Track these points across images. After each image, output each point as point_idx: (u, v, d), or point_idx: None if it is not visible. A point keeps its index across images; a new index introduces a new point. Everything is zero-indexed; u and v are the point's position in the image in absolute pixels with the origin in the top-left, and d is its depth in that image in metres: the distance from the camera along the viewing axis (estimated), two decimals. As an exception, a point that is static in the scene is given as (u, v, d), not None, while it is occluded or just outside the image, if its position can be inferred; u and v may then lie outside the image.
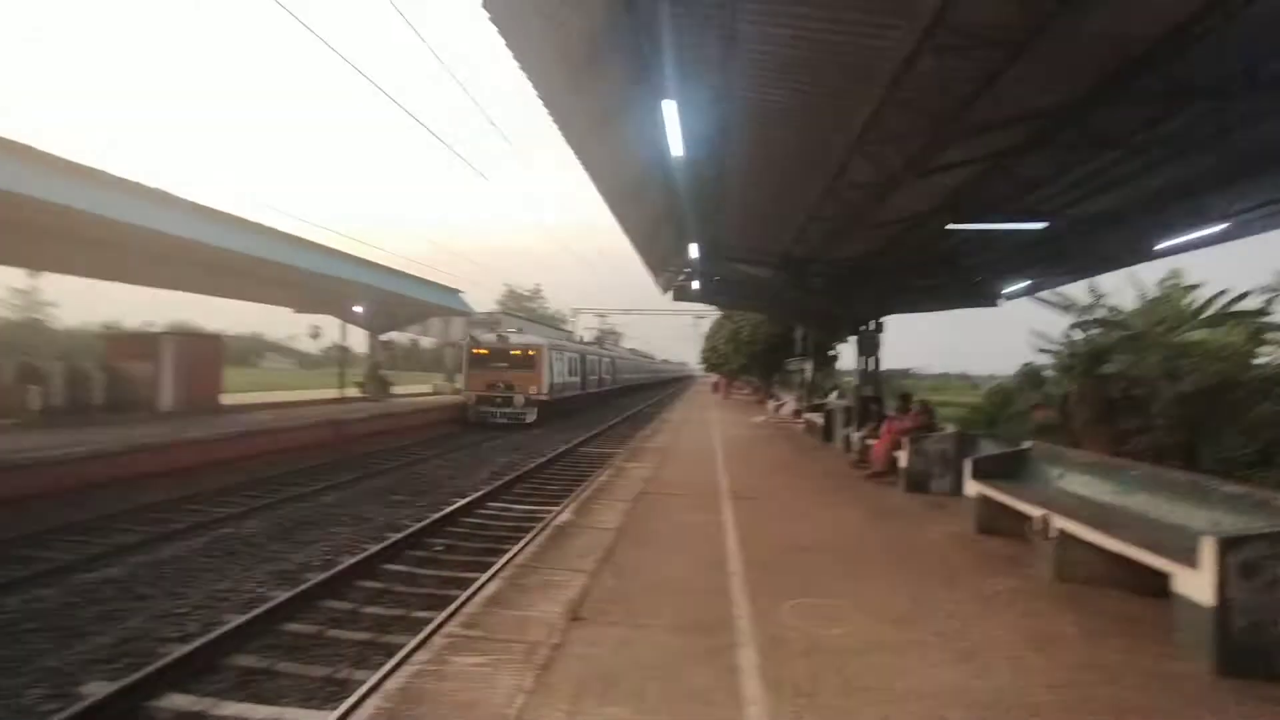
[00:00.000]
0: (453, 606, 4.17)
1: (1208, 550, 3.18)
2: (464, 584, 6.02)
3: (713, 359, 36.37)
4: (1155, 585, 3.81)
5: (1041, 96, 6.06)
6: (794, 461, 10.86)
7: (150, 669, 4.03)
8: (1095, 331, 19.36)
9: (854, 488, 8.31)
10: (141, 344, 16.13)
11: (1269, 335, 20.41)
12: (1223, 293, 19.92)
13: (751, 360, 30.86)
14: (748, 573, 4.48)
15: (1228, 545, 3.14)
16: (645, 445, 12.56)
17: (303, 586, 5.64)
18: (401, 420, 19.26)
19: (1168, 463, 13.61)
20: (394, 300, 21.50)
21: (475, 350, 22.12)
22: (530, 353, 21.97)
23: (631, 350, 54.54)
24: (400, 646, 4.36)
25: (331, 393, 23.39)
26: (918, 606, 3.90)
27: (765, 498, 7.35)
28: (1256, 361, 16.60)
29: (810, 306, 15.91)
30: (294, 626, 5.04)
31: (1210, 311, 19.34)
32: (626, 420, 24.88)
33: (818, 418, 14.60)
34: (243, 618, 4.87)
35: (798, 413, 19.74)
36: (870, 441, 9.72)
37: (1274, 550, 3.12)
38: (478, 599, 4.04)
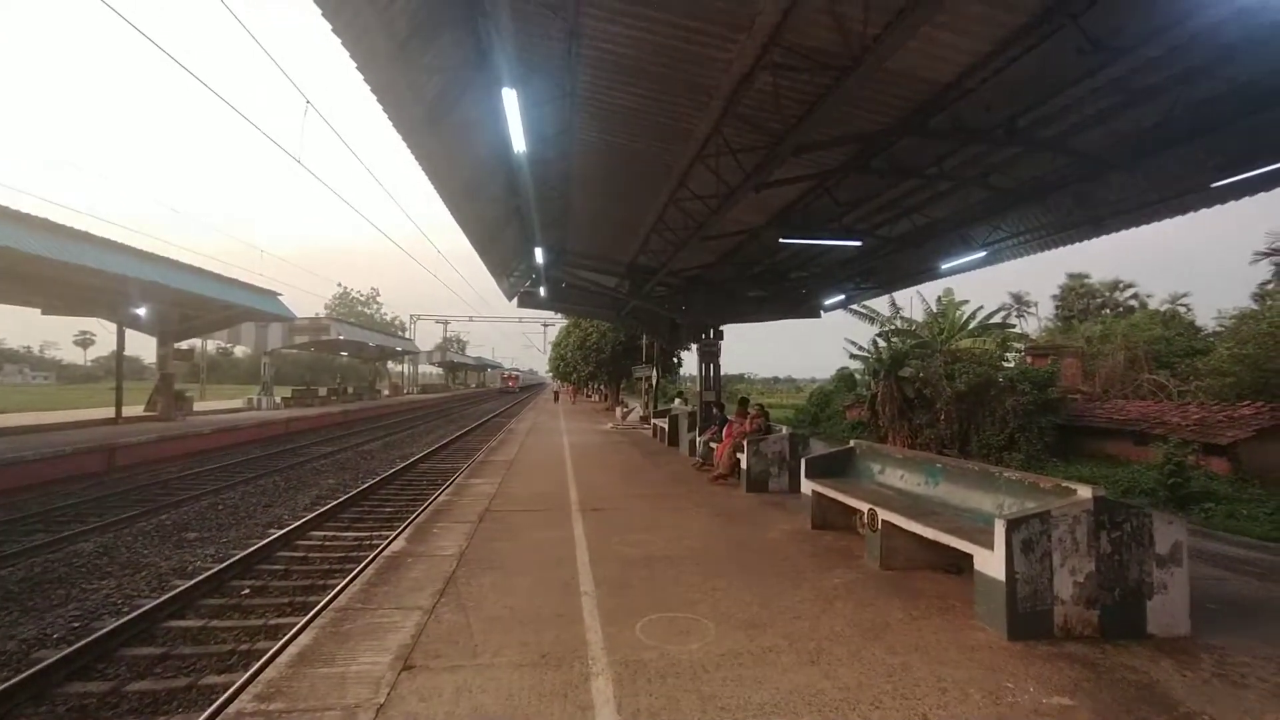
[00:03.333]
0: (245, 676, 3.40)
1: (999, 531, 3.59)
2: (277, 633, 5.11)
3: (561, 367, 36.05)
4: (962, 564, 4.27)
5: (860, 124, 6.72)
6: (642, 468, 10.94)
7: None
8: (895, 340, 22.50)
9: (700, 491, 8.52)
10: None
11: (1012, 344, 25.35)
12: (980, 308, 24.37)
13: (599, 367, 31.10)
14: (599, 592, 4.27)
15: (1012, 526, 3.58)
16: (491, 458, 11.89)
17: (28, 672, 4.32)
18: (202, 442, 16.70)
19: (948, 451, 16.15)
20: (191, 301, 18.20)
21: (503, 373, 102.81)
22: (518, 373, 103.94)
23: (516, 367, 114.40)
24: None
25: (106, 412, 19.75)
26: (766, 610, 3.97)
27: (615, 508, 7.22)
28: (1005, 365, 20.49)
29: (655, 314, 16.34)
30: (11, 728, 3.82)
31: (974, 324, 23.54)
32: (472, 432, 23.58)
33: (663, 423, 14.96)
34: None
35: (645, 418, 20.21)
36: (713, 445, 10.11)
37: (1044, 527, 3.61)
38: (284, 657, 3.34)
